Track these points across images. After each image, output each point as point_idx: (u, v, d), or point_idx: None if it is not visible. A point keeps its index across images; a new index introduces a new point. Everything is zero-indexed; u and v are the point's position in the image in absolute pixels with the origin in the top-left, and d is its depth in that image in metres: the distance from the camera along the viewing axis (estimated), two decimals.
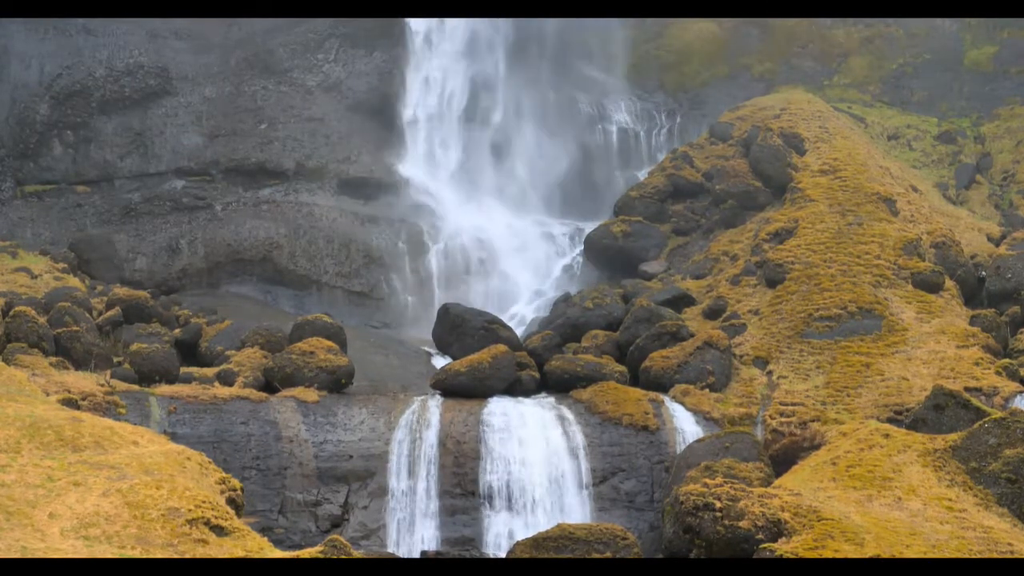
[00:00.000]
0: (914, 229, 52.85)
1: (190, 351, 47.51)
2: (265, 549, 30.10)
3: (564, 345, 48.07)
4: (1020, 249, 52.59)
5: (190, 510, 30.34)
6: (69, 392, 40.01)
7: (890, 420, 42.72)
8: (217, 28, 63.50)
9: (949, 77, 68.05)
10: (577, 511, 41.24)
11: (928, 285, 49.87)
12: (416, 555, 40.53)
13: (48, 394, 39.17)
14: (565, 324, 49.39)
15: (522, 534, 39.40)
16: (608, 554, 35.97)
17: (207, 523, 30.18)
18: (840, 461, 38.91)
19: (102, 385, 41.67)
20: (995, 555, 33.78)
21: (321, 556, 29.25)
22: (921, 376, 44.90)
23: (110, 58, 61.95)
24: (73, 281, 53.00)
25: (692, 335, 47.00)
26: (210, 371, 45.10)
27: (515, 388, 45.28)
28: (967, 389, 43.12)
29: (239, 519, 31.74)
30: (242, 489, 34.48)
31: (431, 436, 42.25)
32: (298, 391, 43.35)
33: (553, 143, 66.00)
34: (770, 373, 46.37)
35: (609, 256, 57.61)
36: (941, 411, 40.96)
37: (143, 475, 31.79)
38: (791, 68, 69.67)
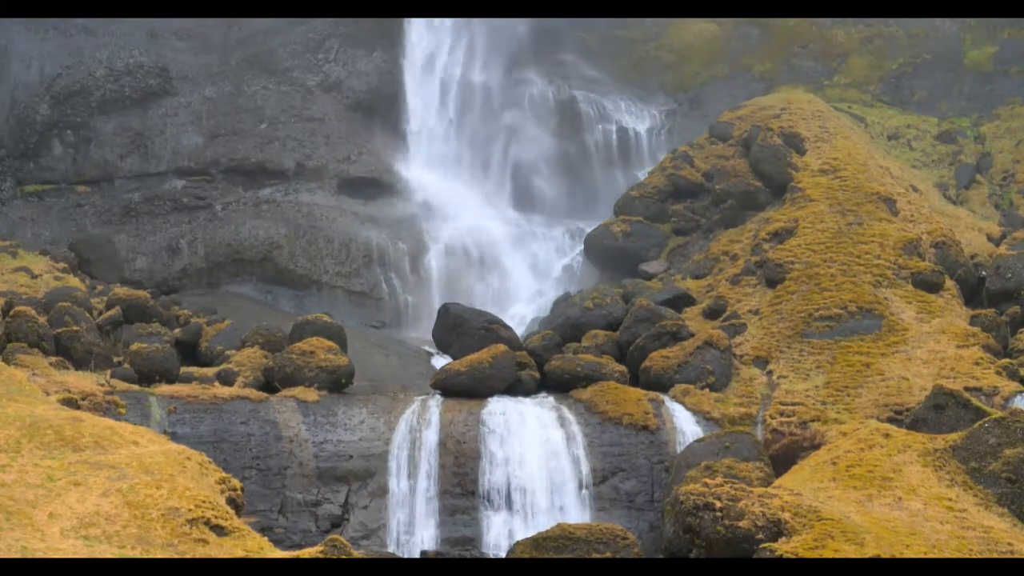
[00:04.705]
0: (914, 229, 52.85)
1: (190, 351, 47.50)
2: (265, 549, 30.11)
3: (564, 345, 48.05)
4: (1020, 249, 52.58)
5: (190, 510, 30.35)
6: (69, 392, 40.01)
7: (890, 420, 42.72)
8: (217, 28, 63.51)
9: (949, 77, 68.04)
10: (577, 511, 41.23)
11: (928, 285, 49.87)
12: (416, 555, 40.53)
13: (48, 394, 39.17)
14: (565, 324, 49.37)
15: (522, 534, 39.40)
16: (608, 554, 35.98)
17: (207, 523, 30.20)
18: (840, 461, 38.91)
19: (102, 385, 41.68)
20: (995, 555, 33.78)
21: (321, 556, 29.26)
22: (921, 376, 44.90)
23: (110, 58, 61.96)
24: (73, 281, 52.99)
25: (692, 335, 47.00)
26: (210, 371, 45.11)
27: (515, 388, 45.27)
28: (967, 389, 43.11)
29: (239, 519, 31.76)
30: (242, 489, 34.48)
31: (431, 436, 42.25)
32: (298, 391, 43.35)
33: (553, 143, 66.01)
34: (770, 373, 46.37)
35: (609, 256, 57.60)
36: (941, 411, 40.96)
37: (143, 475, 31.80)
38: (791, 68, 69.68)
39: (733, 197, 56.95)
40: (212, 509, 30.69)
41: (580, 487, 41.81)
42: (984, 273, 51.88)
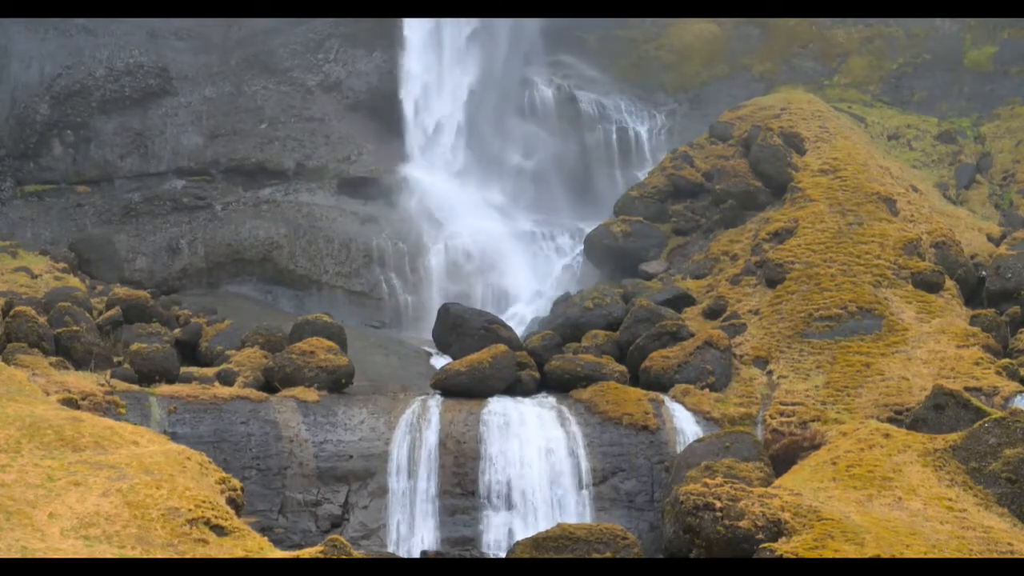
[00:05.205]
0: (914, 229, 52.85)
1: (190, 351, 47.50)
2: (265, 549, 30.11)
3: (564, 345, 48.06)
4: (1020, 249, 52.58)
5: (190, 510, 30.36)
6: (69, 392, 40.01)
7: (890, 420, 42.73)
8: (217, 28, 63.51)
9: (949, 77, 68.05)
10: (577, 511, 41.24)
11: (928, 285, 49.87)
12: (416, 555, 40.54)
13: (48, 394, 39.17)
14: (565, 324, 49.38)
15: (522, 534, 39.42)
16: (608, 554, 35.98)
17: (207, 523, 30.21)
18: (840, 461, 38.92)
19: (102, 385, 41.68)
20: (995, 555, 33.79)
21: (321, 556, 29.26)
22: (921, 376, 44.90)
23: (110, 58, 61.96)
24: (73, 281, 53.01)
25: (692, 335, 47.00)
26: (210, 371, 45.12)
27: (515, 388, 45.28)
28: (967, 389, 43.12)
29: (239, 519, 31.76)
30: (242, 489, 34.49)
31: (431, 436, 42.26)
32: (298, 391, 43.35)
33: (553, 143, 66.02)
34: (770, 373, 46.37)
35: (609, 256, 57.59)
36: (941, 411, 40.96)
37: (143, 475, 31.80)
38: (791, 68, 69.69)
39: (733, 197, 56.95)
40: (212, 509, 30.70)
41: (580, 487, 41.81)
42: (984, 273, 51.87)
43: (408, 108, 64.93)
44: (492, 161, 65.50)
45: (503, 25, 66.61)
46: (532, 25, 67.35)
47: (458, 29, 66.90)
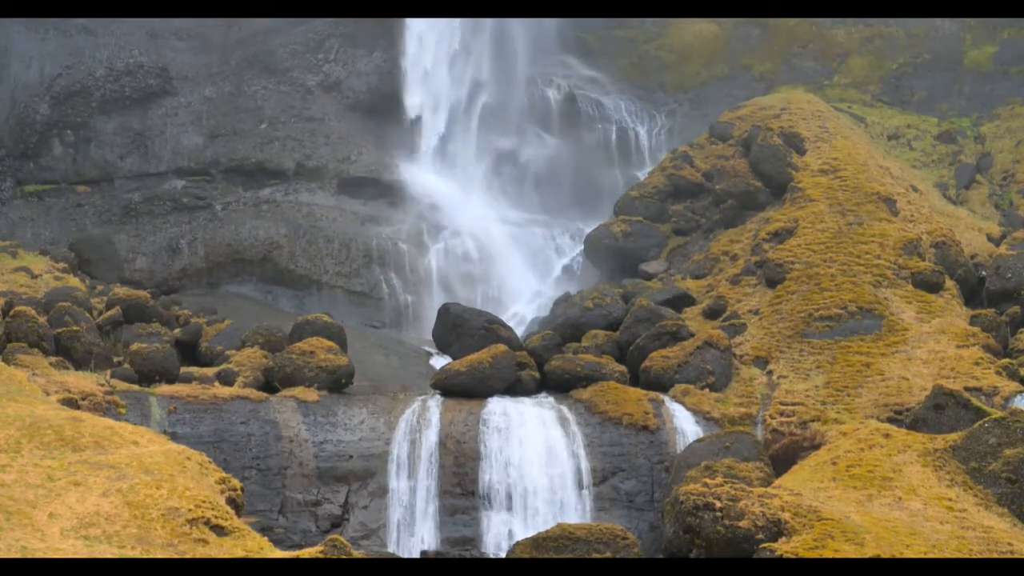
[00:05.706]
0: (914, 229, 52.85)
1: (190, 351, 47.51)
2: (265, 549, 30.12)
3: (564, 345, 48.06)
4: (1020, 249, 52.58)
5: (190, 510, 30.37)
6: (69, 392, 40.02)
7: (890, 420, 42.73)
8: (217, 28, 63.50)
9: (949, 77, 68.07)
10: (577, 511, 41.24)
11: (928, 285, 49.88)
12: (416, 555, 40.55)
13: (48, 394, 39.17)
14: (565, 324, 49.38)
15: (522, 534, 39.42)
16: (608, 554, 35.99)
17: (207, 523, 30.21)
18: (840, 461, 38.92)
19: (102, 385, 41.68)
20: (995, 555, 33.79)
21: (321, 556, 29.27)
22: (921, 376, 44.91)
23: (110, 58, 61.95)
24: (73, 281, 53.01)
25: (692, 335, 47.00)
26: (210, 371, 45.12)
27: (515, 388, 45.28)
28: (967, 389, 43.12)
29: (239, 519, 31.77)
30: (242, 489, 34.50)
31: (431, 436, 42.27)
32: (298, 391, 43.36)
33: (553, 142, 66.01)
34: (770, 373, 46.37)
35: (609, 256, 57.59)
36: (941, 411, 40.97)
37: (143, 475, 31.81)
38: (791, 68, 69.71)
39: (733, 197, 56.95)
40: (212, 509, 30.71)
41: (580, 487, 41.81)
42: (984, 273, 51.88)
43: (407, 108, 64.88)
44: (492, 161, 65.46)
45: (502, 25, 66.57)
46: (532, 25, 67.29)
47: (458, 28, 66.83)
